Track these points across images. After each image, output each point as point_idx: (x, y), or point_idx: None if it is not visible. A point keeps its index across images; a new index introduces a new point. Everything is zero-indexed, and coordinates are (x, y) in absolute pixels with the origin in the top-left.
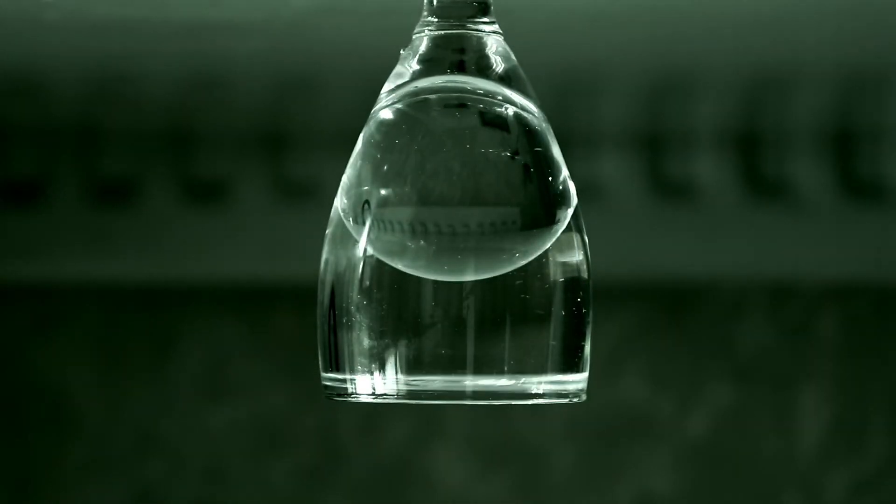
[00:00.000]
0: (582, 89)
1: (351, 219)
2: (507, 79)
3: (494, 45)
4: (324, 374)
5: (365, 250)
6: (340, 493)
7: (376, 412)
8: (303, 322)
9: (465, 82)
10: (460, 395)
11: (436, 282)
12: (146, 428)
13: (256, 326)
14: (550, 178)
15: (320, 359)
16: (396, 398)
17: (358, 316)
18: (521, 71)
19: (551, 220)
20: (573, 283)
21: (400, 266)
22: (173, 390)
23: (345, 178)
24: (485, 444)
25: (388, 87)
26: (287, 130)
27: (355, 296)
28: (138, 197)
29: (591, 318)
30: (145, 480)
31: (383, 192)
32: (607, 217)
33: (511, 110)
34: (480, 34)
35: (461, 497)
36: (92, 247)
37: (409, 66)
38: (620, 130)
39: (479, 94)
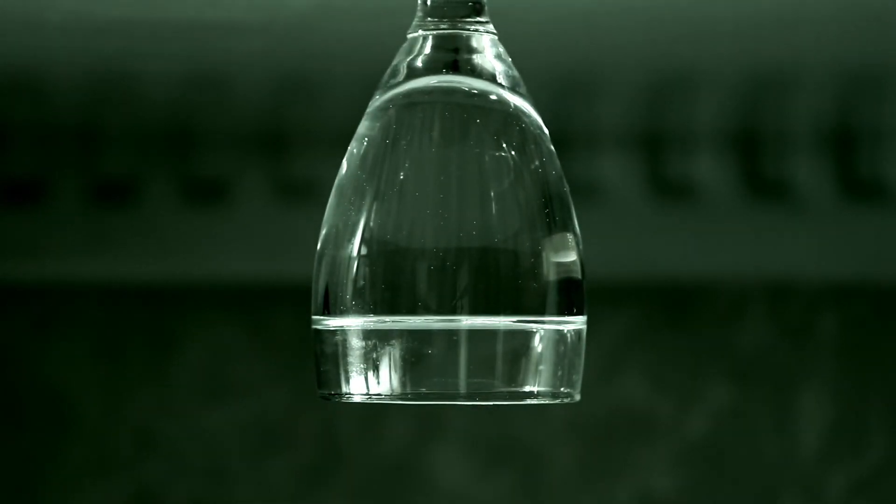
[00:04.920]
0: (581, 89)
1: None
2: (501, 78)
3: (489, 44)
4: (318, 374)
5: (360, 249)
6: (340, 493)
7: (376, 412)
8: (303, 322)
9: (459, 82)
10: (454, 395)
11: (429, 282)
12: (146, 428)
13: (256, 326)
14: None
15: (315, 358)
16: (390, 398)
17: (352, 315)
18: (515, 70)
19: None
20: (567, 284)
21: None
22: (173, 390)
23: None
24: (485, 444)
25: (382, 86)
26: (287, 130)
27: (349, 295)
28: (138, 197)
29: (585, 319)
30: (145, 480)
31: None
32: (607, 217)
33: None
34: (475, 34)
35: (461, 497)
36: (92, 247)
37: (403, 65)
38: (620, 130)
39: (474, 93)
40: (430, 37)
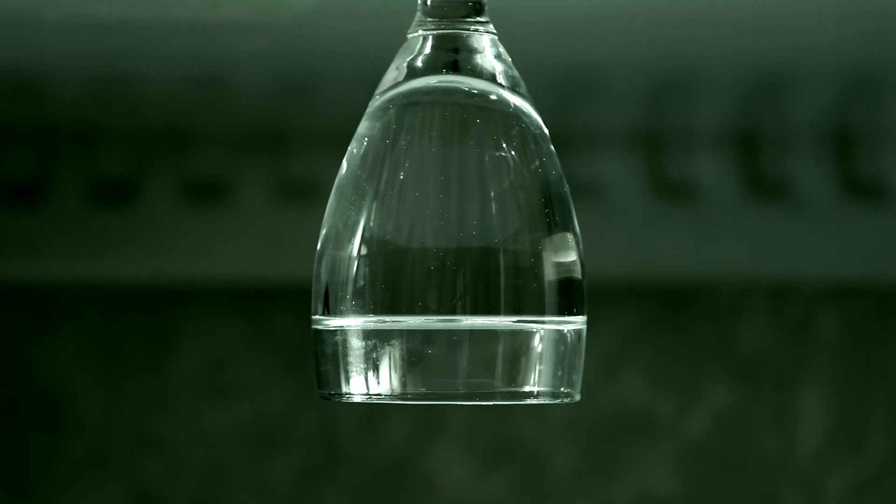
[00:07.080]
0: (581, 89)
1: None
2: (501, 78)
3: (489, 44)
4: (318, 374)
5: (360, 249)
6: (340, 493)
7: (376, 412)
8: (303, 322)
9: (459, 82)
10: (453, 395)
11: (429, 282)
12: (145, 427)
13: (256, 326)
14: None
15: (315, 358)
16: (390, 398)
17: (352, 315)
18: (515, 70)
19: None
20: (567, 284)
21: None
22: (173, 390)
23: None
24: (485, 444)
25: (382, 87)
26: (287, 130)
27: (349, 295)
28: (138, 197)
29: (585, 319)
30: (144, 480)
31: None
32: (607, 217)
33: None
34: (475, 34)
35: (461, 497)
36: (92, 247)
37: (403, 65)
38: (620, 130)
39: (474, 93)
40: (430, 37)
